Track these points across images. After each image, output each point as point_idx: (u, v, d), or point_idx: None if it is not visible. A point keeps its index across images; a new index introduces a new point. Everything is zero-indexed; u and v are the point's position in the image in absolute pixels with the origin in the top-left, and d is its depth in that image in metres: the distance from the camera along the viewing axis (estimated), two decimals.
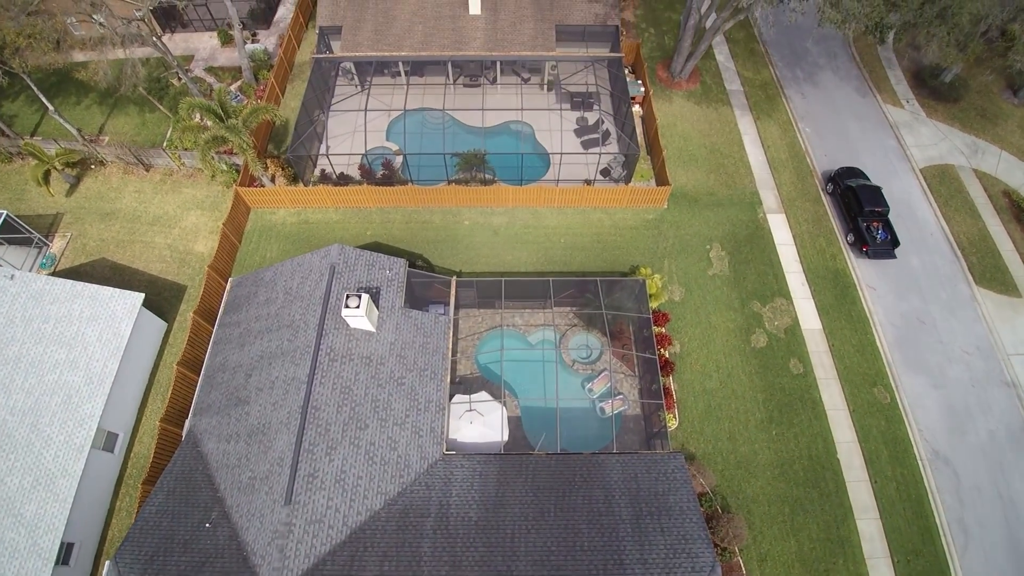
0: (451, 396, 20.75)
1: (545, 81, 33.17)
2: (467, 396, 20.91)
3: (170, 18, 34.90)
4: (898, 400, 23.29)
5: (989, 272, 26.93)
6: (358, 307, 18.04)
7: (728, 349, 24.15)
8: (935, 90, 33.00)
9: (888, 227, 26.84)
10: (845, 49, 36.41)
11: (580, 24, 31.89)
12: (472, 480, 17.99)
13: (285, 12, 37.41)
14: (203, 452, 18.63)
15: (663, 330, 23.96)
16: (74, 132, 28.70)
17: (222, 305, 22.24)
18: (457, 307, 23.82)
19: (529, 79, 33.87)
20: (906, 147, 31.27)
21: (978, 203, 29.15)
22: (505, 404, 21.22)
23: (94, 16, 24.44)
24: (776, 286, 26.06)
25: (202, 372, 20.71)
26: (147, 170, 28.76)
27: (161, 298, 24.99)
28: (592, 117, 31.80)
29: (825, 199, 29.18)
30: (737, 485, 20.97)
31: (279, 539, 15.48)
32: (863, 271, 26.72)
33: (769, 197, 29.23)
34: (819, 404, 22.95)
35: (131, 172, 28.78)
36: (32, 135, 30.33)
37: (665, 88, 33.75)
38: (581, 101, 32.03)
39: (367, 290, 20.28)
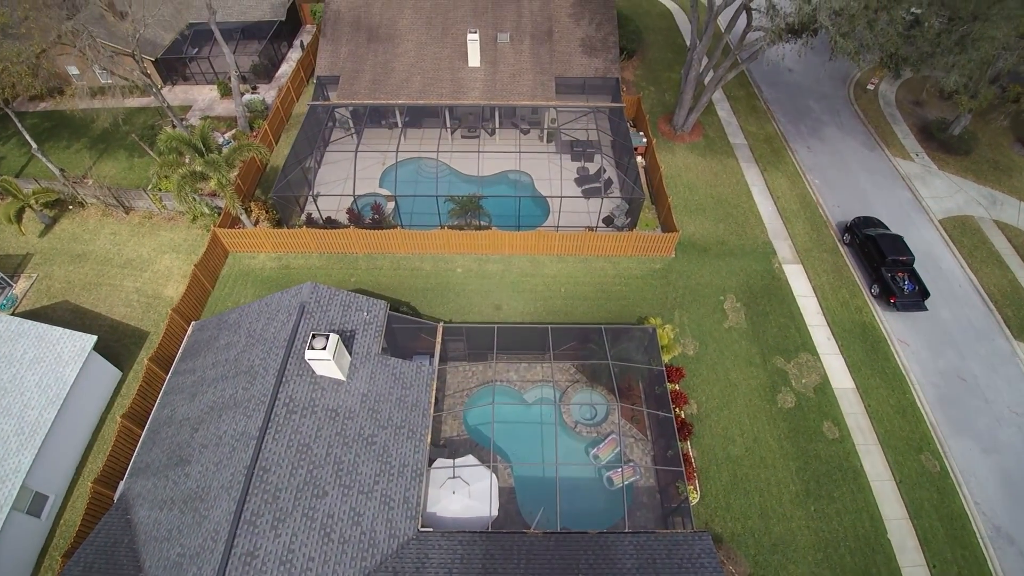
0: (432, 460, 17.83)
1: (545, 131, 32.62)
2: (451, 460, 17.95)
3: (172, 71, 35.20)
4: (948, 468, 20.11)
5: None
6: (324, 348, 15.65)
7: (752, 410, 21.29)
8: (944, 143, 32.17)
9: (915, 277, 24.77)
10: (847, 106, 36.17)
11: (580, 76, 31.78)
12: (452, 565, 14.74)
13: (288, 68, 37.88)
14: (133, 520, 15.57)
15: (677, 387, 21.25)
16: (56, 172, 27.70)
17: (180, 351, 19.86)
18: (444, 358, 21.42)
19: (528, 131, 33.34)
20: (921, 199, 29.89)
21: (1004, 255, 27.23)
22: (496, 471, 18.18)
23: (76, 44, 24.00)
24: (799, 340, 23.59)
25: (147, 426, 17.98)
26: (127, 212, 27.42)
27: (120, 344, 22.66)
28: (593, 167, 30.84)
29: (843, 250, 27.35)
30: (774, 574, 17.41)
31: None
32: (892, 325, 24.32)
33: (783, 247, 27.44)
34: (861, 474, 19.74)
35: (110, 214, 27.43)
36: (16, 176, 29.38)
37: (668, 141, 33.08)
38: (582, 151, 31.19)
39: (340, 333, 17.96)
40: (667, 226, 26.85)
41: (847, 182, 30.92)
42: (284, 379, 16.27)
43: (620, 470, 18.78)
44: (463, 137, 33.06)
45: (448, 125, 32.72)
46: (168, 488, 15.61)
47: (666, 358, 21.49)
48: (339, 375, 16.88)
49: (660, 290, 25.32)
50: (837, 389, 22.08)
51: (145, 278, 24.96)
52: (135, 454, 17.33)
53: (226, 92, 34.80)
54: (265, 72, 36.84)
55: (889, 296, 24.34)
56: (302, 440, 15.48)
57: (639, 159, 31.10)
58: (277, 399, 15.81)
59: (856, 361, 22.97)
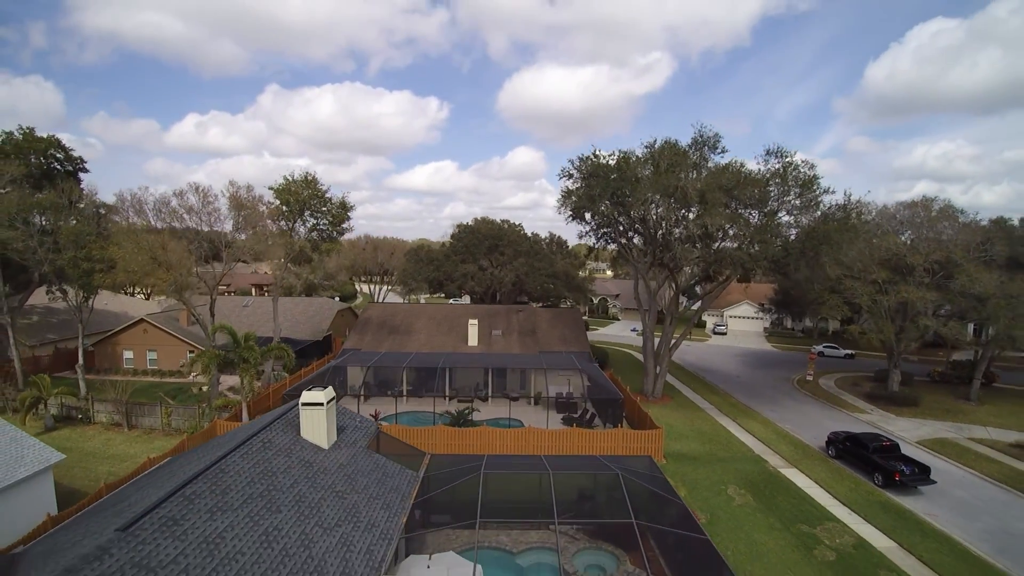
0: (403, 555, 14.59)
1: (532, 396, 36.53)
2: (426, 556, 14.62)
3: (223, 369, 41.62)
4: None
5: None
6: (322, 391, 16.11)
7: (790, 563, 17.79)
8: (891, 399, 36.02)
9: (909, 460, 24.51)
10: (796, 391, 41.42)
11: (560, 351, 38.42)
12: None
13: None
14: None
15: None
16: (83, 389, 29.92)
17: (150, 469, 18.36)
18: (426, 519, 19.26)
19: (518, 398, 37.23)
20: (891, 433, 31.50)
21: (993, 456, 27.23)
22: None
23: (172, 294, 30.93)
24: (819, 513, 21.41)
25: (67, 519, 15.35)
26: (129, 428, 28.21)
27: (65, 503, 20.09)
28: (577, 412, 33.41)
29: (831, 462, 27.34)
30: None
31: None
32: (912, 503, 22.40)
33: (773, 458, 27.46)
34: None
35: (112, 429, 28.13)
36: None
37: (642, 403, 36.64)
38: (566, 401, 34.46)
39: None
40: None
41: (816, 426, 33.00)
42: (267, 429, 15.70)
43: None
44: (459, 402, 36.59)
45: (446, 393, 36.87)
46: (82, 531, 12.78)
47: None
48: (323, 441, 16.18)
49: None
50: (880, 547, 18.91)
51: (123, 466, 23.89)
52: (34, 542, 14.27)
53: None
54: (293, 371, 43.26)
55: (892, 474, 23.51)
56: (270, 468, 13.91)
57: None
58: (255, 437, 14.99)
59: (888, 526, 20.35)
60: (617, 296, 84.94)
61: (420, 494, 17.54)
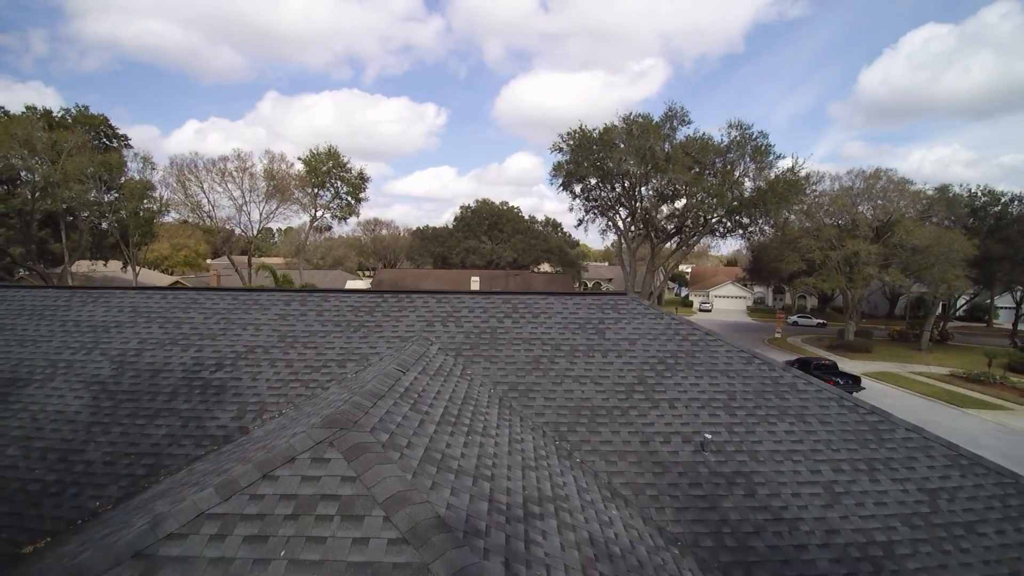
0: None
1: None
2: None
3: None
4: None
5: (970, 403, 27.36)
6: (361, 279, 20.60)
7: None
8: (847, 347, 40.49)
9: (843, 375, 28.95)
10: (765, 344, 45.96)
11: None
12: None
13: None
14: None
15: None
16: None
17: None
18: None
19: None
20: (842, 367, 35.94)
21: (927, 381, 31.68)
22: None
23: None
24: None
25: None
26: None
27: None
28: None
29: None
30: None
31: None
32: None
33: None
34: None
35: None
36: None
37: None
38: None
39: None
40: None
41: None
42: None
43: None
44: None
45: None
46: None
47: None
48: None
49: None
50: None
51: None
52: None
53: None
54: None
55: (828, 382, 27.91)
56: None
57: None
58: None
59: None
60: (610, 280, 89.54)
61: None
